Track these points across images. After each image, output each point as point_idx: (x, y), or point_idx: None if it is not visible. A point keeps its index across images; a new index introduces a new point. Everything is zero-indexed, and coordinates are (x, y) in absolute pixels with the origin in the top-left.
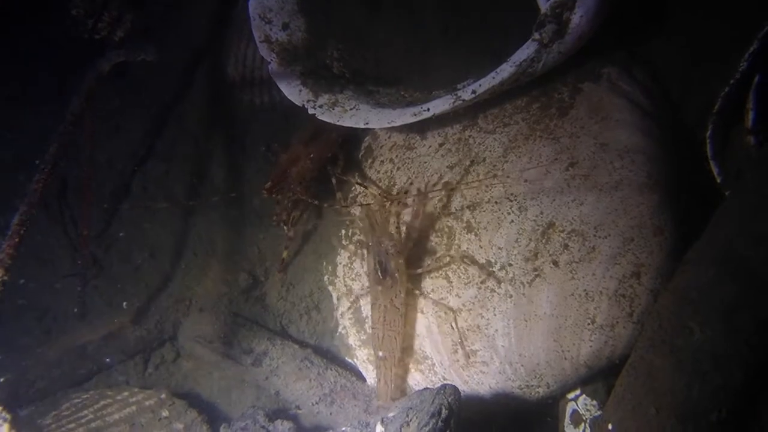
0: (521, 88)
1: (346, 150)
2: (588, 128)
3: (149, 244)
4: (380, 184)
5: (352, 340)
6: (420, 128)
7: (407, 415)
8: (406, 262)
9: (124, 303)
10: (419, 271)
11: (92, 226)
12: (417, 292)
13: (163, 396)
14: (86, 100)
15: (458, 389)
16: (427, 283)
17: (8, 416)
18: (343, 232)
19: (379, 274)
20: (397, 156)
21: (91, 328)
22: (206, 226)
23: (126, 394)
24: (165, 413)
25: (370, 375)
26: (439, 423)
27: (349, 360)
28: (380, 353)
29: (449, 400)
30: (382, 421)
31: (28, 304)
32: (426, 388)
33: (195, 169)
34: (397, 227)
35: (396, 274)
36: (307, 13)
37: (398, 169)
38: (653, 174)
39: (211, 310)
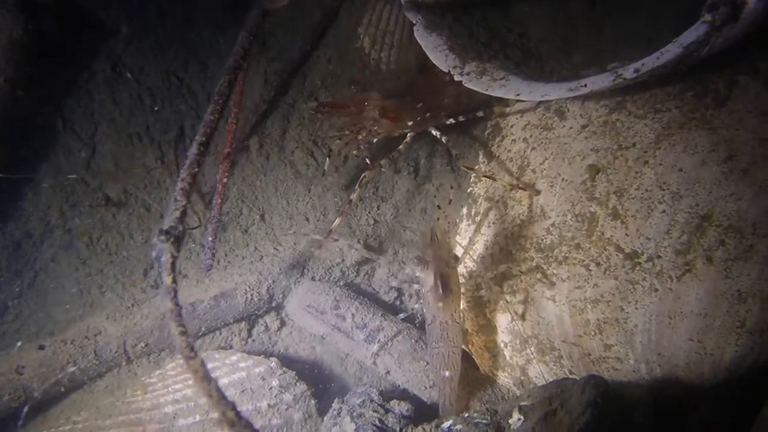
0: (675, 74)
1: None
2: (746, 122)
3: (260, 206)
4: (510, 165)
5: (469, 325)
6: (558, 109)
7: (550, 404)
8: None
9: (235, 264)
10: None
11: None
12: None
13: (273, 364)
14: (253, 36)
15: (606, 381)
16: (563, 270)
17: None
18: (465, 210)
19: (440, 290)
20: (531, 135)
21: (202, 287)
22: (321, 193)
23: (235, 358)
24: (275, 382)
25: (486, 364)
26: (596, 412)
27: (462, 347)
28: (446, 373)
29: (602, 390)
30: (520, 409)
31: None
32: (565, 378)
33: (313, 130)
34: None
35: (455, 288)
36: None
37: (533, 149)
38: None
39: (324, 280)
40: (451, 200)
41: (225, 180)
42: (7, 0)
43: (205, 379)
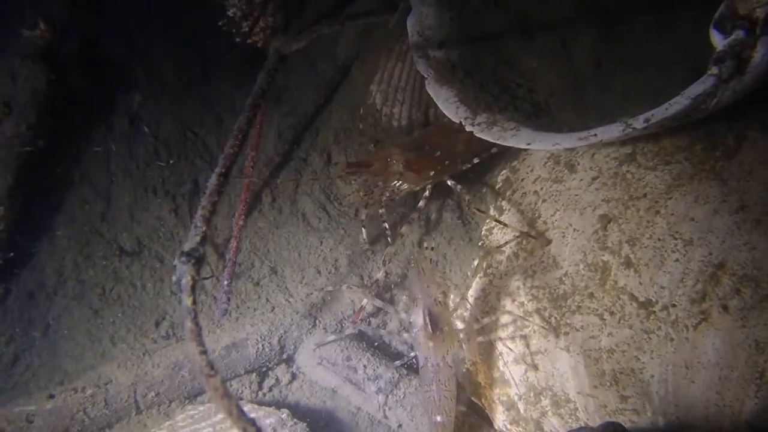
0: (683, 128)
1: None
2: (757, 174)
3: (272, 258)
4: (521, 217)
5: (482, 378)
6: (568, 162)
7: None
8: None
9: (246, 315)
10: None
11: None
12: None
13: (284, 416)
14: (271, 77)
15: (625, 427)
16: (577, 320)
17: None
18: (476, 262)
19: (430, 328)
20: (542, 188)
21: (214, 337)
22: (332, 245)
23: (246, 409)
24: None
25: (499, 418)
26: None
27: (476, 400)
28: (438, 418)
29: None
30: None
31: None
32: (582, 427)
33: (325, 185)
34: None
35: (446, 328)
36: (464, 35)
37: (544, 201)
38: None
39: (336, 331)
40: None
41: (241, 222)
42: (32, 51)
43: (225, 396)
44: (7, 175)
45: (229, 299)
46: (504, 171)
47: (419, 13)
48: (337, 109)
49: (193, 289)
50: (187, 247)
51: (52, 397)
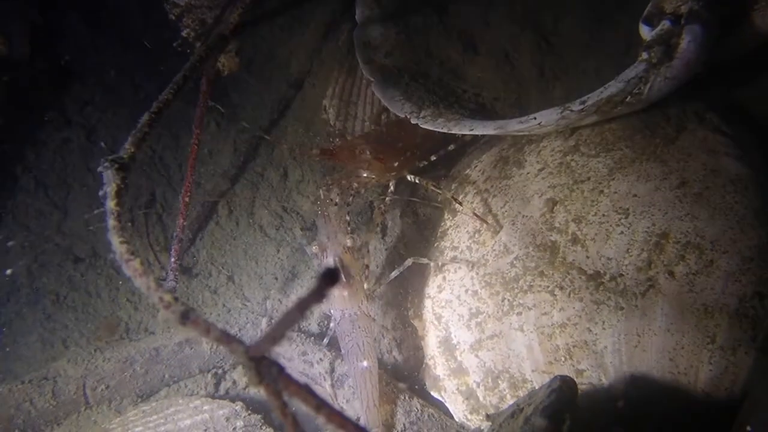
0: (623, 119)
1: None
2: (696, 156)
3: (229, 268)
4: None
5: (440, 370)
6: (516, 161)
7: (518, 405)
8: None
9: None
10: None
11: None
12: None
13: (238, 407)
14: (209, 49)
15: (574, 381)
16: (528, 299)
17: None
18: (432, 263)
19: (343, 277)
20: (492, 186)
21: (167, 334)
22: (289, 253)
23: (198, 402)
24: (240, 423)
25: (459, 409)
26: (562, 396)
27: (435, 395)
28: (364, 363)
29: (569, 383)
30: (487, 417)
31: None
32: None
33: (281, 198)
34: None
35: (357, 276)
36: (408, 47)
37: (494, 196)
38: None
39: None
40: None
41: (187, 199)
42: None
43: (143, 275)
44: None
45: (176, 276)
46: (456, 180)
47: (365, 27)
48: (292, 124)
49: (117, 194)
50: (113, 156)
51: None
